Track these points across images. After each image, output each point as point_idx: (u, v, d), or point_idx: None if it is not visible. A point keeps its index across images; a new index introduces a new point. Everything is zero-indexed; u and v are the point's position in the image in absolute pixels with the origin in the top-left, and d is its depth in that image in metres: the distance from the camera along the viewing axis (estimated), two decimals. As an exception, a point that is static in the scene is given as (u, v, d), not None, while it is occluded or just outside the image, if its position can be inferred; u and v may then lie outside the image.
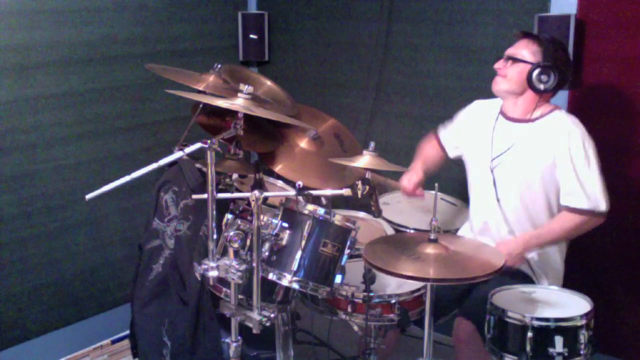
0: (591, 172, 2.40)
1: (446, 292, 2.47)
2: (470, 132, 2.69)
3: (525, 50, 2.49)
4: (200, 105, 2.65)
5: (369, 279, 2.35)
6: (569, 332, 2.13)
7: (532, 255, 2.54)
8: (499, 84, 2.54)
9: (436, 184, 2.17)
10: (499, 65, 2.54)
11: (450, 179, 2.93)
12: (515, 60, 2.49)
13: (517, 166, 2.50)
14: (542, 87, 2.46)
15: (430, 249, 2.11)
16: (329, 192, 2.29)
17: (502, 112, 2.60)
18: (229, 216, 2.27)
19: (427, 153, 2.85)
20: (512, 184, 2.51)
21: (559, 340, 2.11)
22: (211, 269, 2.09)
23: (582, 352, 2.14)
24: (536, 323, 2.13)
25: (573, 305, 2.25)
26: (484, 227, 2.61)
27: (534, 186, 2.48)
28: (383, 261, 2.08)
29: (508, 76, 2.51)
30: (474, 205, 2.68)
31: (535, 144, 2.47)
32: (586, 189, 2.38)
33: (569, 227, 2.45)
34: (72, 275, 3.31)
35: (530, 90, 2.49)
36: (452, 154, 2.80)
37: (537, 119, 2.51)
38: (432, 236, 2.13)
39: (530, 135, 2.49)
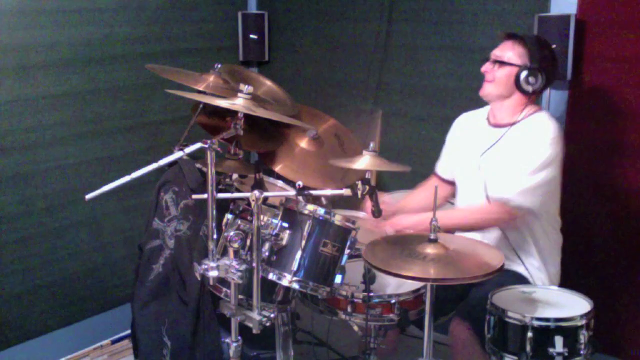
0: (529, 174, 2.39)
1: (445, 292, 2.47)
2: (458, 143, 2.71)
3: (511, 52, 2.49)
4: (200, 105, 2.65)
5: (368, 279, 2.35)
6: (569, 332, 2.13)
7: (529, 256, 2.55)
8: (487, 89, 2.55)
9: (436, 185, 2.17)
10: (486, 68, 2.54)
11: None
12: (502, 63, 2.50)
13: (502, 168, 2.50)
14: (530, 89, 2.47)
15: (430, 249, 2.11)
16: (329, 192, 2.28)
17: (488, 120, 2.61)
18: (229, 216, 2.26)
19: (420, 196, 2.78)
20: (498, 185, 2.51)
21: (559, 340, 2.11)
22: (211, 269, 2.09)
23: (582, 352, 2.14)
24: (536, 323, 2.13)
25: (573, 305, 2.25)
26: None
27: None
28: (383, 261, 2.08)
29: (496, 80, 2.52)
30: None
31: (515, 144, 2.48)
32: (510, 183, 2.40)
33: (474, 214, 2.51)
34: (72, 275, 3.32)
35: (518, 93, 2.50)
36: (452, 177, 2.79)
37: (519, 121, 2.52)
38: (432, 236, 2.13)
39: (512, 136, 2.50)
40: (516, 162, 2.43)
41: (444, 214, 2.32)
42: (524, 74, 2.46)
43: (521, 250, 2.54)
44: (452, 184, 2.77)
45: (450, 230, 2.47)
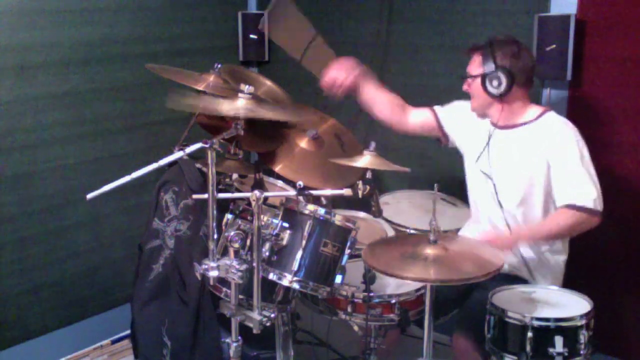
0: (587, 171, 2.39)
1: (445, 292, 2.47)
2: (466, 134, 2.69)
3: (475, 64, 2.53)
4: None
5: (369, 279, 2.35)
6: (569, 332, 2.13)
7: (532, 257, 2.54)
8: (473, 105, 2.58)
9: (436, 184, 2.17)
10: (465, 87, 2.57)
11: (451, 179, 2.93)
12: (472, 77, 2.53)
13: (516, 170, 2.49)
14: (497, 91, 2.45)
15: (430, 250, 2.11)
16: (329, 192, 2.29)
17: (491, 122, 2.61)
18: (229, 216, 2.27)
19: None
20: (511, 189, 2.51)
21: (559, 340, 2.11)
22: (211, 269, 2.09)
23: (582, 352, 2.14)
24: (536, 323, 2.13)
25: (573, 305, 2.25)
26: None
27: (531, 189, 2.47)
28: (383, 263, 2.08)
29: (475, 94, 2.54)
30: (477, 210, 2.68)
31: (531, 147, 2.46)
32: (583, 188, 2.37)
33: (565, 225, 2.41)
34: (72, 275, 3.32)
35: (495, 99, 2.50)
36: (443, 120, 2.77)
37: (529, 122, 2.50)
38: (432, 237, 2.13)
39: (525, 138, 2.49)
40: (561, 167, 2.40)
41: (541, 228, 2.45)
42: (486, 81, 2.46)
43: (530, 260, 2.54)
44: (441, 132, 2.76)
45: (550, 239, 2.50)
